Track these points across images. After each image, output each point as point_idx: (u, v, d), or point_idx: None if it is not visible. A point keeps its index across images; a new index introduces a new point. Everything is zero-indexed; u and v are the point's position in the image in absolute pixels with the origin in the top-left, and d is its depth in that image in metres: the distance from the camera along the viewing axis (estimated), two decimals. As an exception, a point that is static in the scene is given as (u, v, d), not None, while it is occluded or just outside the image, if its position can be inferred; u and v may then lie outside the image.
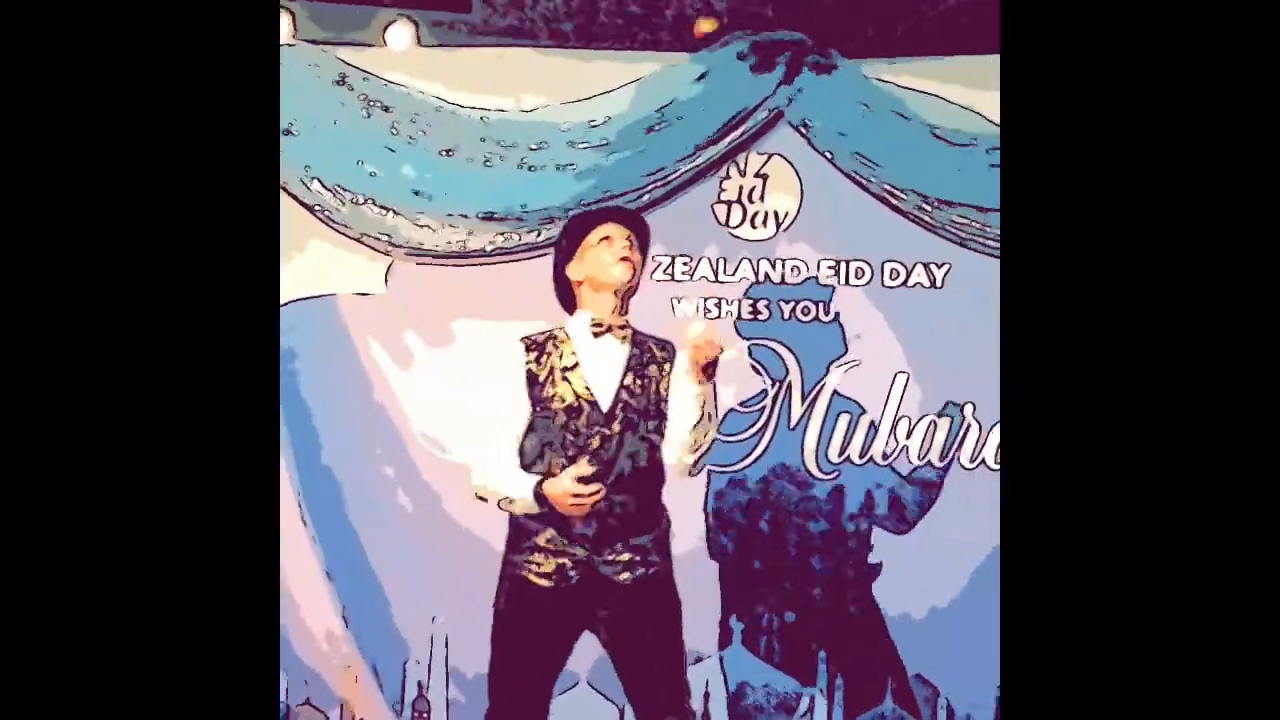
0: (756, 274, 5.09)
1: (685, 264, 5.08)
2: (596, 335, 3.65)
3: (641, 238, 3.76)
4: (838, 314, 5.08)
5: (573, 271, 3.72)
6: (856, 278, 5.09)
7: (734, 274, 5.09)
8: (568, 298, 3.76)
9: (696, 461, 3.61)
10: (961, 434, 5.02)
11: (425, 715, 5.01)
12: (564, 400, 3.59)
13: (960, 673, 4.98)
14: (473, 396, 4.82)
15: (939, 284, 5.06)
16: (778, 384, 5.07)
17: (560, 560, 3.57)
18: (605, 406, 3.60)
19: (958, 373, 4.97)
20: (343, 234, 5.03)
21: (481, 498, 3.65)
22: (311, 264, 5.03)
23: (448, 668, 4.98)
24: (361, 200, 4.99)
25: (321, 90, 5.02)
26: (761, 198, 5.13)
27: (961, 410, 5.01)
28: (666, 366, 3.65)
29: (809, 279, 5.08)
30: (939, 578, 5.00)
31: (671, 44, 5.19)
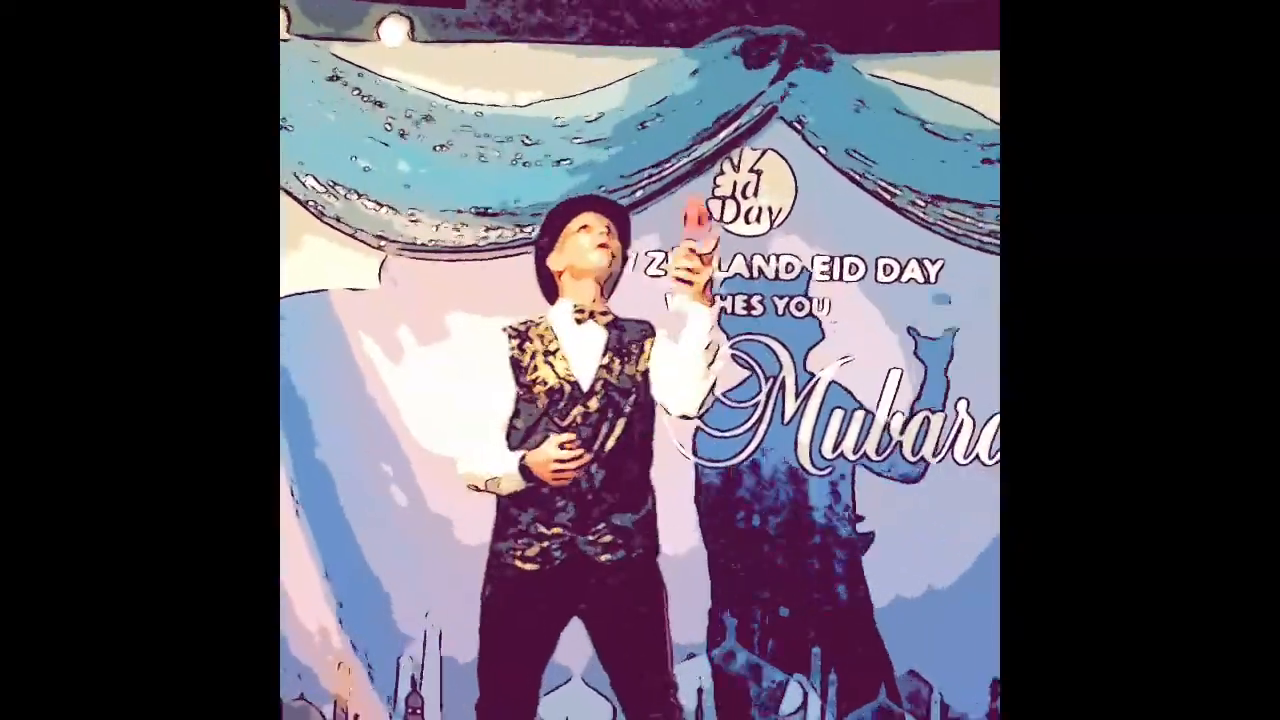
0: (750, 269, 5.09)
1: (678, 257, 5.07)
2: (579, 322, 3.70)
3: (621, 226, 3.82)
4: (828, 307, 5.08)
5: (553, 262, 3.78)
6: (850, 273, 5.09)
7: (727, 269, 5.09)
8: (550, 288, 3.81)
9: (701, 401, 3.58)
10: (955, 430, 5.03)
11: (419, 710, 5.00)
12: (546, 383, 3.63)
13: (955, 669, 4.98)
14: (466, 391, 4.85)
15: (933, 280, 5.06)
16: (771, 379, 5.07)
17: (544, 544, 3.59)
18: (586, 386, 3.63)
19: (952, 368, 4.98)
20: (336, 229, 5.03)
21: (473, 486, 3.65)
22: (305, 259, 5.03)
23: (441, 662, 4.98)
24: (355, 195, 4.99)
25: (315, 86, 5.02)
26: (755, 193, 5.13)
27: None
28: (647, 343, 3.68)
29: (803, 270, 5.08)
30: (933, 574, 5.00)
31: (666, 38, 5.17)
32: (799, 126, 5.06)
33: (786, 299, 5.09)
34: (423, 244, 5.01)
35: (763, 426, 5.08)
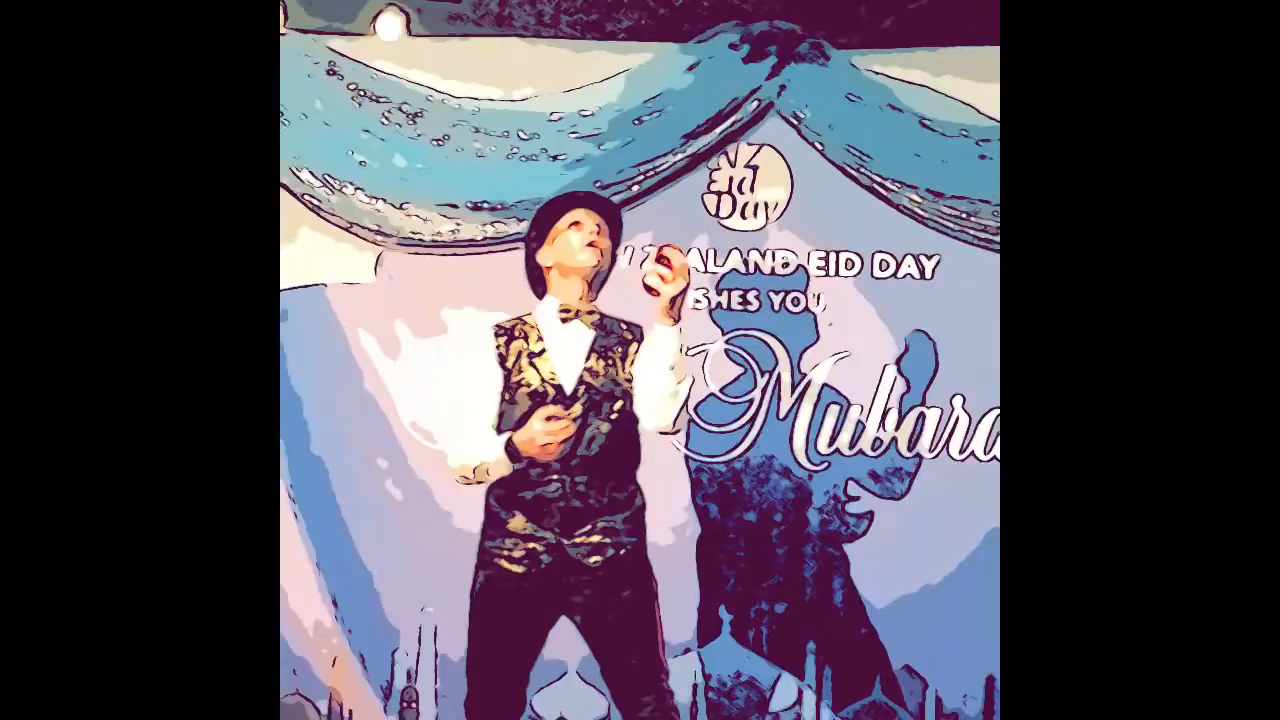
0: (746, 264, 5.09)
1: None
2: (565, 321, 3.67)
3: (612, 224, 3.79)
4: (824, 303, 5.08)
5: (542, 257, 3.75)
6: (846, 269, 5.09)
7: (723, 264, 5.09)
8: (539, 283, 3.79)
9: (676, 417, 3.57)
10: (951, 425, 5.03)
11: (414, 704, 5.01)
12: (529, 385, 3.62)
13: (949, 665, 4.98)
14: (454, 388, 4.85)
15: (929, 275, 5.07)
16: (766, 375, 5.07)
17: (531, 545, 3.59)
18: (569, 390, 3.62)
19: (948, 364, 4.98)
20: (332, 223, 5.04)
21: (463, 479, 3.65)
22: (301, 254, 5.03)
23: (436, 657, 4.98)
24: (351, 189, 4.99)
25: (312, 80, 5.02)
26: (752, 188, 5.13)
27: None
28: (633, 346, 3.66)
29: (799, 268, 5.08)
30: (928, 570, 5.00)
31: (663, 33, 5.16)
32: (795, 121, 5.06)
33: (782, 294, 5.09)
34: (419, 238, 5.01)
35: (758, 422, 5.07)
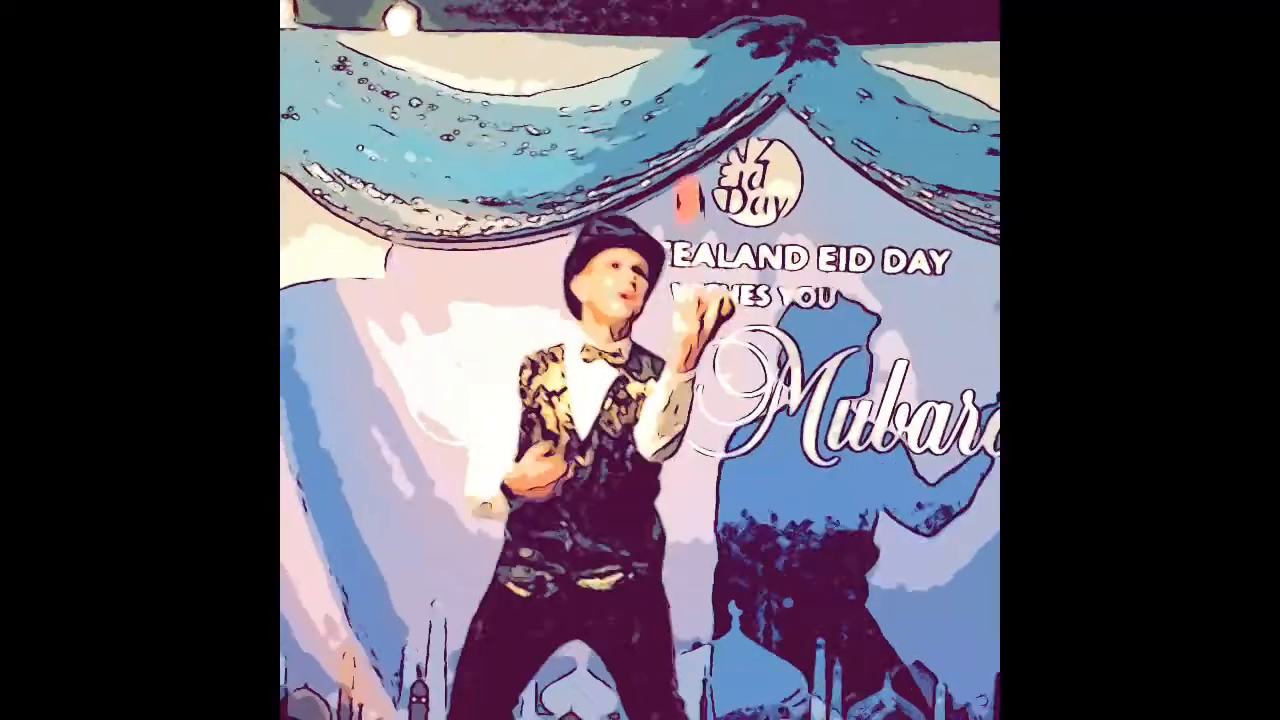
0: (756, 260, 5.09)
1: (685, 250, 5.08)
2: (587, 361, 3.61)
3: (654, 264, 3.66)
4: (835, 298, 5.08)
5: (578, 288, 3.65)
6: (857, 264, 5.08)
7: (734, 260, 5.09)
8: (575, 307, 3.71)
9: (658, 451, 3.49)
10: (961, 420, 5.02)
11: (423, 699, 5.01)
12: (545, 424, 3.58)
13: (960, 661, 4.98)
14: (470, 381, 4.86)
15: (939, 270, 5.06)
16: (777, 370, 5.07)
17: (540, 573, 3.58)
18: (583, 435, 3.58)
19: (958, 359, 4.97)
20: (342, 218, 5.04)
21: (478, 513, 3.63)
22: (311, 248, 5.04)
23: (446, 652, 4.98)
24: (361, 185, 4.99)
25: (322, 74, 5.03)
26: (762, 184, 5.12)
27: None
28: (650, 384, 3.56)
29: (809, 261, 5.08)
30: (939, 566, 5.00)
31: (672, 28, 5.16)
32: (805, 117, 5.06)
33: (793, 289, 5.09)
34: (428, 233, 5.02)
35: (769, 417, 5.07)
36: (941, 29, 5.02)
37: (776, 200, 5.12)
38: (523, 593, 3.59)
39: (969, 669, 4.98)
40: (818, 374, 5.06)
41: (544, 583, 3.57)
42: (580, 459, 3.55)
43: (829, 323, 5.08)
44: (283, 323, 4.38)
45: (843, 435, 5.06)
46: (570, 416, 3.58)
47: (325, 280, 5.07)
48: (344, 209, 5.02)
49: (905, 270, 5.07)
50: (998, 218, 4.88)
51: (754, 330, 5.08)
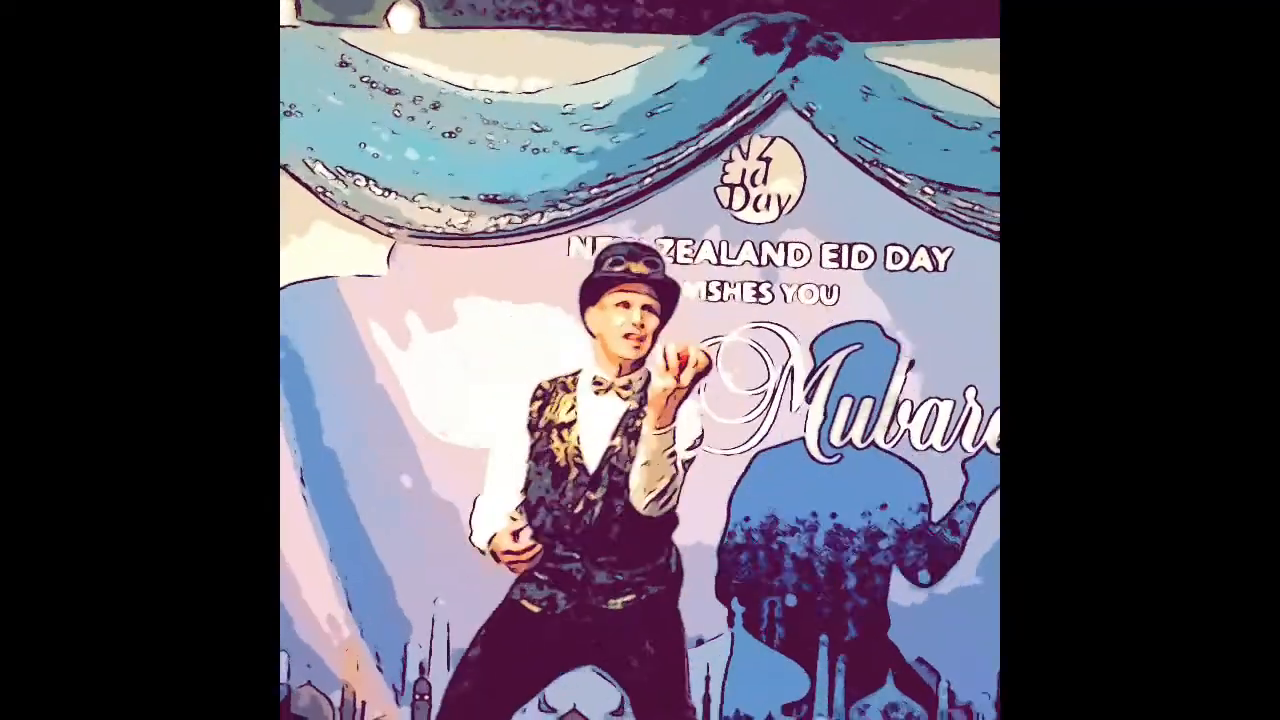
0: (759, 257, 5.09)
1: (687, 247, 5.08)
2: (598, 393, 3.61)
3: (667, 302, 3.62)
4: (837, 295, 5.08)
5: (590, 320, 3.64)
6: (859, 261, 5.08)
7: (736, 257, 5.09)
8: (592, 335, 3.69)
9: (648, 505, 3.44)
10: (964, 418, 5.02)
11: (426, 697, 5.01)
12: (554, 457, 3.59)
13: (963, 658, 4.98)
14: (471, 381, 4.86)
15: (942, 268, 5.06)
16: (780, 367, 5.07)
17: (553, 591, 3.59)
18: (592, 469, 3.57)
19: (960, 356, 4.97)
20: (345, 216, 5.04)
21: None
22: (313, 246, 5.05)
23: (449, 650, 4.98)
24: (364, 182, 4.99)
25: (324, 72, 5.03)
26: (764, 181, 5.12)
27: None
28: None
29: (812, 258, 5.08)
30: (941, 563, 5.00)
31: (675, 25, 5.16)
32: (808, 114, 5.06)
33: (795, 286, 5.08)
34: (431, 230, 5.02)
35: (771, 414, 5.07)
36: (944, 26, 5.01)
37: (779, 197, 5.12)
38: (534, 609, 3.60)
39: (972, 666, 4.98)
40: (820, 371, 5.06)
41: (555, 600, 3.58)
42: (591, 494, 3.55)
43: (831, 320, 5.08)
44: (285, 321, 4.38)
45: (845, 432, 5.06)
46: (579, 450, 3.58)
47: (328, 278, 5.08)
48: (347, 207, 5.02)
49: (908, 268, 5.07)
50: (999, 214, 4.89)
51: (756, 327, 5.08)
